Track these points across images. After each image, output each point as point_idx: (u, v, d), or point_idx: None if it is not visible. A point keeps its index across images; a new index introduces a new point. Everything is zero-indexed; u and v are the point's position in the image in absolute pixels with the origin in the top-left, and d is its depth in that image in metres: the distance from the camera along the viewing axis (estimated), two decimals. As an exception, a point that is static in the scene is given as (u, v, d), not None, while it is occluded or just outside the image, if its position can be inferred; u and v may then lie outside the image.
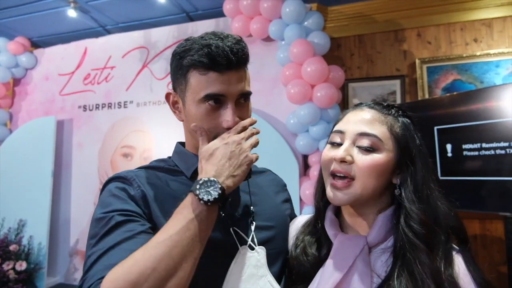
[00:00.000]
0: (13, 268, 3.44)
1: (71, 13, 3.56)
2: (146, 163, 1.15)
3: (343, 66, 3.44)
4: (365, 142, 0.93)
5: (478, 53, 3.06)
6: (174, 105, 1.09)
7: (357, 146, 0.94)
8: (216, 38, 0.96)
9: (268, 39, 3.34)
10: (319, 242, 1.04)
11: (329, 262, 0.95)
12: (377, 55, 3.40)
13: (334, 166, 0.94)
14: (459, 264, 0.87)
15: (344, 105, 3.36)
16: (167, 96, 1.10)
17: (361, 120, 0.96)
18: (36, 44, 4.49)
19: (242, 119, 1.00)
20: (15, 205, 3.85)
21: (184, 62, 0.99)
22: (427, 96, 3.15)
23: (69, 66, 4.22)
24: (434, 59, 3.19)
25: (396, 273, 0.85)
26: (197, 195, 0.83)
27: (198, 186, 0.84)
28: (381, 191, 0.96)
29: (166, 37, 3.81)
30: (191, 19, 3.82)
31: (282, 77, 3.12)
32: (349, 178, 0.92)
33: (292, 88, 2.98)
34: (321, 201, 1.06)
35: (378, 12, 3.36)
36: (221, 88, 0.96)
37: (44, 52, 4.42)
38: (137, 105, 3.84)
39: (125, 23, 3.99)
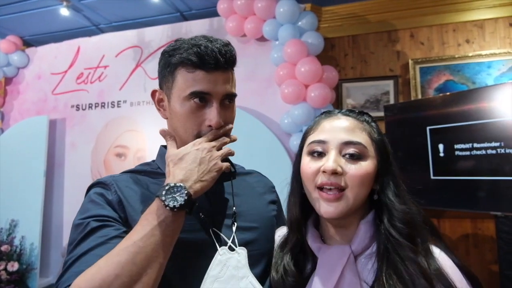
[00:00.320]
0: (5, 269, 3.41)
1: (64, 11, 3.53)
2: (140, 163, 1.17)
3: (337, 66, 3.45)
4: (352, 151, 0.91)
5: (470, 54, 3.09)
6: (159, 103, 1.10)
7: (343, 156, 0.92)
8: (206, 40, 0.99)
9: (262, 39, 3.34)
10: (300, 258, 1.01)
11: (316, 277, 0.93)
12: (371, 56, 3.42)
13: (322, 179, 0.91)
14: (444, 257, 0.87)
15: (338, 105, 3.38)
16: (153, 93, 1.11)
17: (343, 129, 0.94)
18: (28, 42, 4.46)
19: (225, 120, 1.01)
20: (7, 205, 3.82)
21: (172, 60, 1.00)
22: (420, 96, 3.17)
23: (61, 65, 4.20)
24: (426, 59, 3.21)
25: (384, 277, 0.84)
26: (162, 201, 0.83)
27: (164, 192, 0.84)
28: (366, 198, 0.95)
29: (160, 36, 3.80)
30: (185, 18, 3.81)
31: (276, 77, 3.12)
32: (338, 189, 0.90)
33: (286, 88, 2.98)
34: (301, 215, 1.01)
35: (371, 12, 3.38)
36: (207, 87, 0.97)
37: (36, 51, 4.38)
38: (130, 104, 3.82)
39: (119, 22, 3.97)
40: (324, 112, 1.05)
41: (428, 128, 2.60)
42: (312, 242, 0.98)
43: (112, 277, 0.76)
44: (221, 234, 1.01)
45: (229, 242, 1.00)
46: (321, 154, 0.94)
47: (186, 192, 0.84)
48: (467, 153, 2.38)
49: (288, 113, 3.06)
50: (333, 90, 3.12)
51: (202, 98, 0.98)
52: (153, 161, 1.16)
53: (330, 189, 0.90)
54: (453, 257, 0.89)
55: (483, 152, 2.30)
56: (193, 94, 0.97)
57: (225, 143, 0.99)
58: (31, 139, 3.88)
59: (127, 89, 3.86)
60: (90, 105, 3.99)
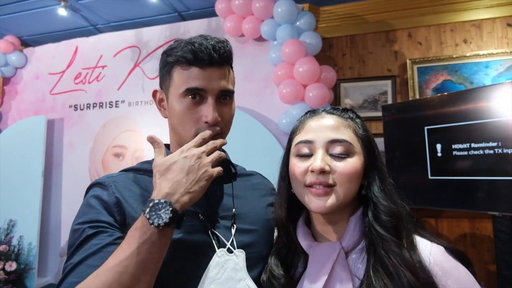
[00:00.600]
0: (3, 269, 3.40)
1: (62, 11, 3.52)
2: (138, 162, 1.16)
3: (335, 66, 3.45)
4: (338, 149, 0.92)
5: (468, 54, 3.09)
6: (160, 103, 1.11)
7: (330, 154, 0.93)
8: (201, 38, 1.01)
9: (260, 39, 3.34)
10: (288, 259, 1.02)
11: (307, 274, 0.94)
12: (369, 56, 3.42)
13: (311, 179, 0.92)
14: (436, 251, 0.88)
15: (336, 105, 3.37)
16: (154, 93, 1.12)
17: (328, 127, 0.95)
18: (26, 43, 4.45)
19: (223, 117, 1.01)
20: (5, 205, 3.81)
21: (169, 59, 1.02)
22: (417, 96, 3.18)
23: (59, 65, 4.19)
24: (424, 59, 3.21)
25: (371, 270, 0.86)
26: (147, 218, 0.80)
27: (148, 209, 0.81)
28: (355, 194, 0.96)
29: (158, 36, 3.80)
30: (183, 18, 3.81)
31: (274, 77, 3.12)
32: (327, 186, 0.91)
33: (284, 88, 2.98)
34: (287, 215, 1.02)
35: (369, 12, 3.38)
36: (202, 83, 0.98)
37: (34, 51, 4.38)
38: (128, 104, 3.82)
39: (117, 22, 3.96)
40: (308, 112, 1.05)
41: (426, 128, 2.60)
42: (303, 240, 0.99)
43: None
44: (220, 236, 1.00)
45: (228, 244, 1.00)
46: (308, 154, 0.95)
47: (171, 209, 0.81)
48: (465, 153, 2.39)
49: (286, 113, 3.07)
50: (331, 90, 3.13)
51: (197, 95, 0.98)
52: (153, 159, 1.16)
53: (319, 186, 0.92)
54: (440, 241, 0.92)
55: (481, 152, 2.30)
56: (188, 91, 0.98)
57: (216, 148, 0.95)
58: (29, 139, 3.88)
59: (125, 89, 3.86)
60: (88, 105, 3.99)
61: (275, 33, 3.12)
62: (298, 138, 0.99)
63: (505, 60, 2.98)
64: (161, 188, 0.85)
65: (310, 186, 0.92)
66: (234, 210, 1.08)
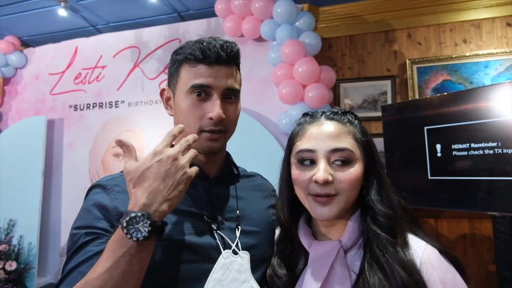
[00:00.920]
0: (3, 268, 3.41)
1: (62, 12, 3.52)
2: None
3: (334, 66, 3.45)
4: (340, 158, 0.94)
5: (467, 54, 3.09)
6: (167, 101, 1.12)
7: (332, 163, 0.95)
8: (211, 38, 1.02)
9: (259, 39, 3.34)
10: (292, 257, 1.05)
11: (308, 271, 0.97)
12: (368, 56, 3.42)
13: (315, 189, 0.94)
14: (429, 253, 0.91)
15: (336, 105, 3.37)
16: (162, 92, 1.13)
17: (328, 135, 0.96)
18: (26, 43, 4.45)
19: (228, 115, 1.02)
20: (5, 205, 3.81)
21: (179, 57, 1.04)
22: (417, 96, 3.17)
23: (59, 65, 4.20)
24: (424, 59, 3.21)
25: (366, 265, 0.89)
26: (125, 233, 0.76)
27: (125, 223, 0.76)
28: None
29: (158, 36, 3.80)
30: (182, 19, 3.80)
31: (273, 77, 3.12)
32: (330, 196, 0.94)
33: (283, 88, 2.98)
34: (290, 216, 1.05)
35: (369, 13, 3.38)
36: (208, 80, 0.99)
37: (34, 51, 4.38)
38: (128, 104, 3.82)
39: (116, 23, 3.97)
40: (307, 115, 1.07)
41: (425, 128, 2.60)
42: (304, 238, 1.02)
43: None
44: (225, 237, 1.01)
45: (233, 246, 1.00)
46: (310, 162, 0.97)
47: (149, 221, 0.76)
48: (465, 153, 2.39)
49: (286, 113, 3.07)
50: (330, 90, 3.13)
51: (203, 91, 1.00)
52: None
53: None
54: (433, 243, 0.95)
55: (481, 152, 2.30)
56: (194, 87, 0.99)
57: (190, 145, 0.88)
58: (29, 139, 3.88)
59: (125, 89, 3.86)
60: (88, 105, 3.99)
61: (275, 33, 3.12)
62: (299, 146, 1.00)
63: (504, 60, 2.98)
64: (137, 198, 0.80)
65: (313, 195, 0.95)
66: (238, 211, 1.08)
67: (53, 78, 4.21)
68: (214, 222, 1.02)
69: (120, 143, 0.90)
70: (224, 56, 1.00)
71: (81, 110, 4.02)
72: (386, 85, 3.32)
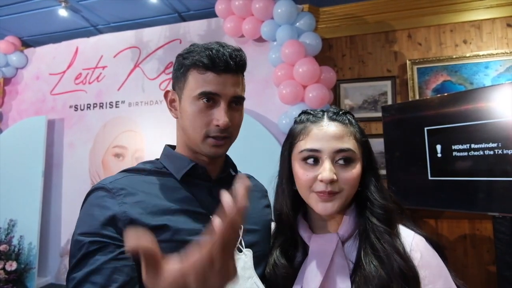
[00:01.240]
0: (3, 268, 3.41)
1: (62, 12, 3.52)
2: (138, 162, 1.16)
3: (334, 66, 3.45)
4: (343, 158, 1.00)
5: (467, 55, 3.09)
6: (171, 103, 1.13)
7: (336, 162, 1.00)
8: (218, 45, 1.03)
9: (260, 39, 3.34)
10: (291, 250, 1.09)
11: (309, 263, 1.02)
12: (368, 56, 3.42)
13: (320, 187, 0.99)
14: (418, 242, 0.98)
15: (336, 106, 3.37)
16: (166, 94, 1.15)
17: (333, 137, 1.01)
18: (26, 43, 4.45)
19: (233, 122, 1.05)
20: (5, 205, 3.82)
21: (186, 62, 1.05)
22: (417, 97, 3.18)
23: (60, 65, 4.20)
24: (424, 60, 3.22)
25: (363, 253, 0.96)
26: None
27: None
28: None
29: (158, 37, 3.80)
30: (183, 19, 3.80)
31: (274, 78, 3.12)
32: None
33: (284, 89, 2.98)
34: (292, 211, 1.09)
35: (369, 13, 3.39)
36: (216, 88, 1.01)
37: (35, 52, 4.39)
38: (128, 105, 3.82)
39: (117, 23, 3.97)
40: (308, 114, 1.10)
41: (426, 128, 2.61)
42: (303, 232, 1.08)
43: None
44: None
45: (237, 244, 1.03)
46: (315, 161, 1.02)
47: None
48: (465, 153, 2.39)
49: (286, 114, 3.07)
50: (331, 90, 3.12)
51: (211, 99, 1.02)
52: (157, 159, 1.16)
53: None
54: (421, 232, 1.03)
55: (481, 152, 2.30)
56: (203, 94, 1.01)
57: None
58: (30, 139, 3.89)
59: (125, 89, 3.86)
60: (88, 106, 4.00)
61: (275, 34, 3.12)
62: (303, 145, 1.04)
63: (505, 60, 2.99)
64: None
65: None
66: None
67: (54, 78, 4.21)
68: None
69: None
70: (232, 65, 1.02)
71: (81, 110, 4.02)
72: (386, 85, 3.33)
